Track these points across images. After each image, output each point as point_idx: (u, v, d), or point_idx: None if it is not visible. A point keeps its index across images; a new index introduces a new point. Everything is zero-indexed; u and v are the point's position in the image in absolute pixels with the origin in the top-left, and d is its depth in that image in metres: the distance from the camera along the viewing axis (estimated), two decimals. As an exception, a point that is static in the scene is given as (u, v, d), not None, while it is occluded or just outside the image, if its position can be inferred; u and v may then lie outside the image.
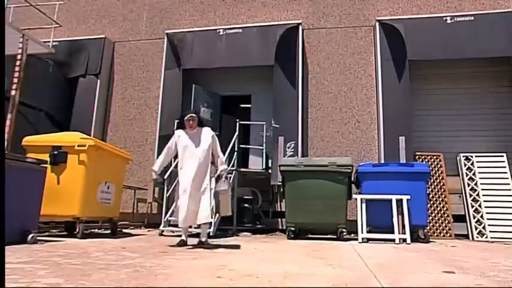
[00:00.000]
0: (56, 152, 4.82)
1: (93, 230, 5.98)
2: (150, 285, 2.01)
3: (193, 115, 4.47)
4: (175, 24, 8.97)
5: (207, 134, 4.48)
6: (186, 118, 4.43)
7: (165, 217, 6.02)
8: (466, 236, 6.80)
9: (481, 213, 6.79)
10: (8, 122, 6.00)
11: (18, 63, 6.28)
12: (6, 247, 3.42)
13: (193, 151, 4.32)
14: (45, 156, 4.61)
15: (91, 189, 4.97)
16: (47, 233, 5.31)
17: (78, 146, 4.85)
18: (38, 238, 4.09)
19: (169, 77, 8.46)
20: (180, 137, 4.44)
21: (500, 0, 7.76)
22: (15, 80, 6.23)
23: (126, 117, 8.89)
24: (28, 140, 5.04)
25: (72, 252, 3.37)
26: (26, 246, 3.61)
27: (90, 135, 6.64)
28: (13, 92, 6.19)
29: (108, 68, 9.10)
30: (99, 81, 8.74)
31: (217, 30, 8.43)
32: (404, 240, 5.33)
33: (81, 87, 8.76)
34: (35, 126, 7.39)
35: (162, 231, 5.93)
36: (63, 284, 1.92)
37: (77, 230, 4.79)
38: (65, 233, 5.34)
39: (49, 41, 7.31)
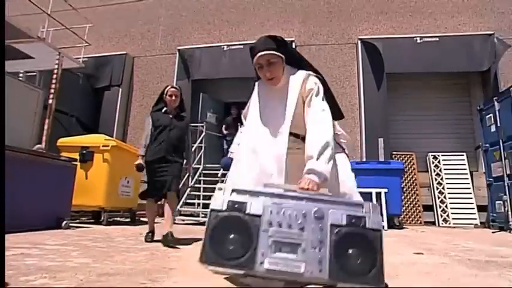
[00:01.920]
0: (84, 152, 4.85)
1: (115, 218, 6.01)
2: (164, 266, 2.03)
3: (266, 52, 1.64)
4: (186, 41, 9.00)
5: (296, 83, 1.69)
6: (255, 60, 1.69)
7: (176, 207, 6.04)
8: (433, 223, 6.83)
9: (445, 203, 6.83)
10: (45, 126, 6.05)
11: (54, 76, 6.32)
12: (45, 231, 3.47)
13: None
14: (76, 155, 4.65)
15: (113, 183, 5.00)
16: (77, 220, 5.35)
17: (102, 146, 4.88)
18: (70, 225, 4.12)
19: (180, 86, 8.48)
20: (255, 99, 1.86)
21: (460, 26, 7.85)
22: (52, 91, 6.26)
23: (144, 121, 8.90)
24: (61, 142, 5.07)
25: (99, 237, 3.41)
26: (60, 231, 3.66)
27: (112, 137, 6.67)
28: (50, 101, 6.23)
29: (128, 80, 9.12)
30: (120, 90, 8.78)
31: (222, 47, 8.47)
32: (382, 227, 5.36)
33: (105, 96, 8.80)
34: (67, 129, 7.42)
35: (174, 219, 5.95)
36: (92, 263, 1.96)
37: (102, 218, 4.84)
38: (92, 220, 5.38)
39: (80, 57, 7.34)
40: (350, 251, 1.14)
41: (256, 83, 1.89)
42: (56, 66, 6.34)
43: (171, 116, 3.45)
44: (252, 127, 1.76)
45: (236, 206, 1.19)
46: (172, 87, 3.60)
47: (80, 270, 1.74)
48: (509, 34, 7.53)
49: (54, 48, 6.43)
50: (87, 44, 7.49)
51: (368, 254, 1.13)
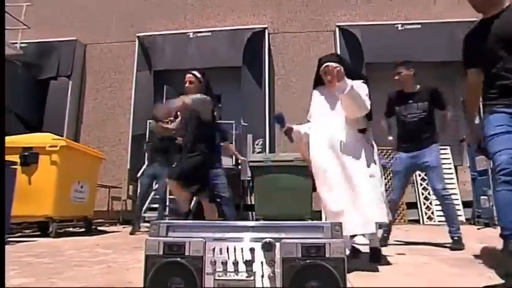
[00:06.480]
0: (26, 153, 4.60)
1: (67, 229, 5.78)
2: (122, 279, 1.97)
3: (331, 64, 2.52)
4: (145, 27, 8.76)
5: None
6: (322, 68, 2.65)
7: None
8: (418, 221, 7.10)
9: (429, 200, 7.11)
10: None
11: (-18, 64, 5.93)
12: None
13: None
14: (16, 158, 4.39)
15: (64, 188, 4.80)
16: (19, 234, 5.08)
17: (49, 146, 4.66)
18: (9, 239, 3.91)
19: (141, 78, 8.28)
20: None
21: (443, 13, 8.14)
22: (-19, 82, 5.88)
23: (100, 118, 8.61)
24: (-3, 142, 4.79)
25: (45, 251, 3.25)
26: (-3, 248, 3.45)
27: (62, 136, 6.40)
28: (-21, 94, 5.85)
29: (80, 70, 8.77)
30: (70, 82, 8.41)
31: (187, 34, 8.33)
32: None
33: (52, 89, 8.40)
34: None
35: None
36: (33, 283, 1.86)
37: (50, 229, 4.62)
38: (38, 232, 5.13)
39: (17, 43, 6.93)
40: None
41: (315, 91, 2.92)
42: (-17, 52, 5.96)
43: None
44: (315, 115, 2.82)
45: (174, 248, 1.13)
46: (190, 72, 3.42)
47: (18, 291, 1.64)
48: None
49: (-21, 30, 6.04)
50: (25, 27, 7.08)
51: None
